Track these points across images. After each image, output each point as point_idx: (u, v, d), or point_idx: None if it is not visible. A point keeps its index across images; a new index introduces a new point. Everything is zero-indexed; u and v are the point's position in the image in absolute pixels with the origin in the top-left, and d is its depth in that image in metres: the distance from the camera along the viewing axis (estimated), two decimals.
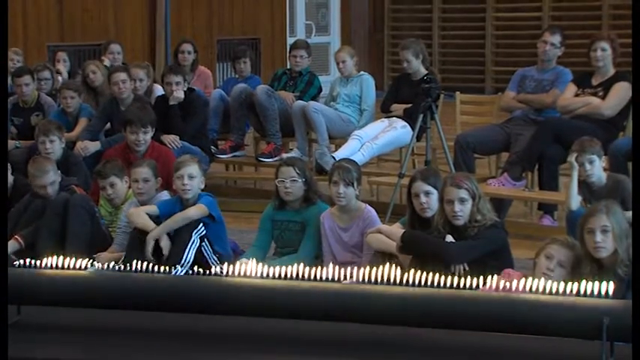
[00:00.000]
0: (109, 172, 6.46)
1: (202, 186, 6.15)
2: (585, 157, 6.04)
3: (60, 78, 9.55)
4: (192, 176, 6.04)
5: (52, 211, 6.34)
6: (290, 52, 9.34)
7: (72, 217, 6.26)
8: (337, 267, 4.21)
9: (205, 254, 5.95)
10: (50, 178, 6.49)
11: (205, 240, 5.98)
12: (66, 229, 6.26)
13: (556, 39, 7.85)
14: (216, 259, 5.94)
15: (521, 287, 4.08)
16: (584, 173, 6.06)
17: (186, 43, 9.83)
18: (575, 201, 6.08)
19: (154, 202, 6.23)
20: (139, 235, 5.98)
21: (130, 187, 6.47)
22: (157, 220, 6.04)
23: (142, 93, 8.64)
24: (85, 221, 6.29)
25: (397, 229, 5.48)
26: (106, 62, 9.67)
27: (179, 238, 5.95)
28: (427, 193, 5.41)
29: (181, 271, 5.64)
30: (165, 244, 5.94)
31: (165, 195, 6.36)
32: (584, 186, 6.11)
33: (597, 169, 6.08)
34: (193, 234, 5.94)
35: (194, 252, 5.89)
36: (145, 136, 7.07)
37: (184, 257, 5.84)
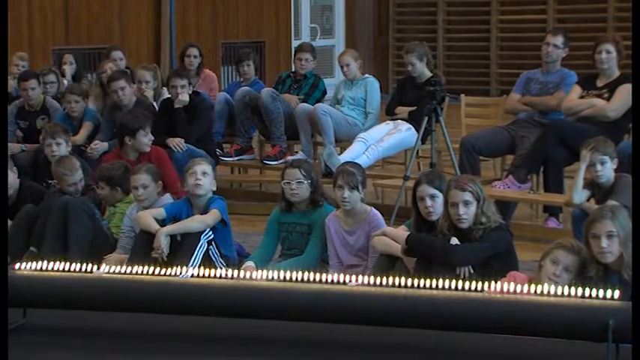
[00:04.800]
0: (100, 177, 6.54)
1: (214, 188, 6.17)
2: (597, 157, 6.06)
3: (65, 81, 9.55)
4: (205, 173, 6.07)
5: (53, 215, 6.36)
6: (295, 54, 9.34)
7: (73, 220, 6.29)
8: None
9: (213, 258, 5.96)
10: (79, 176, 6.64)
11: (213, 244, 5.99)
12: (67, 232, 6.28)
13: (559, 40, 7.84)
14: (222, 262, 5.96)
15: (526, 290, 4.08)
16: (594, 173, 6.08)
17: (192, 47, 9.82)
18: (580, 195, 6.10)
19: (156, 205, 6.24)
20: (145, 237, 5.99)
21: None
22: (163, 223, 6.05)
23: (149, 95, 8.63)
24: (86, 223, 6.32)
25: (402, 232, 5.47)
26: (109, 70, 9.65)
27: (188, 241, 5.95)
28: (432, 197, 5.40)
29: (188, 274, 5.64)
30: (166, 244, 5.94)
31: (168, 198, 6.38)
32: (594, 185, 6.13)
33: (608, 170, 6.10)
34: (202, 238, 5.95)
35: (202, 256, 5.90)
36: (147, 137, 7.15)
37: (192, 260, 5.85)
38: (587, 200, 6.22)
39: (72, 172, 6.61)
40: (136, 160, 6.98)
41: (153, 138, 7.23)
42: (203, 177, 6.07)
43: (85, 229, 6.30)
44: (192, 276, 4.46)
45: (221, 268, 4.57)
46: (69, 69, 9.97)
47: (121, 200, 6.52)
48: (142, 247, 5.96)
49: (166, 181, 6.58)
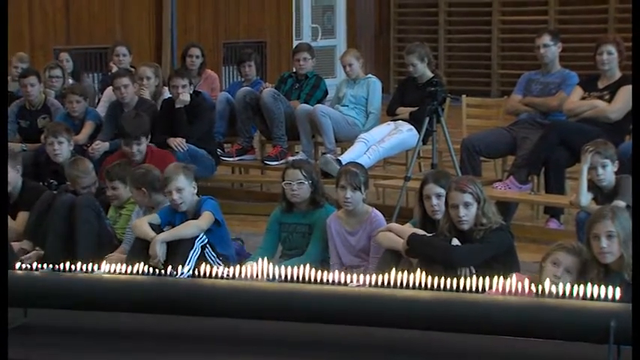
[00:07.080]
0: (114, 176, 6.48)
1: (194, 191, 6.03)
2: (599, 160, 6.05)
3: (70, 80, 9.54)
4: (180, 189, 5.97)
5: (58, 213, 6.36)
6: (293, 56, 9.35)
7: (79, 218, 6.29)
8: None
9: (209, 259, 5.91)
10: (93, 179, 6.66)
11: (208, 246, 5.94)
12: (73, 230, 6.28)
13: (546, 39, 7.84)
14: (219, 262, 5.92)
15: (527, 291, 4.08)
16: (595, 177, 6.08)
17: (194, 47, 9.84)
18: (585, 197, 6.10)
19: (158, 209, 6.21)
20: (141, 245, 5.95)
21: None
22: (159, 228, 6.01)
23: (149, 92, 8.64)
24: (92, 221, 6.32)
25: (408, 228, 5.47)
26: (114, 69, 9.65)
27: (181, 246, 5.90)
28: (438, 196, 5.42)
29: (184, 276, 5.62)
30: (162, 252, 5.90)
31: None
32: (596, 187, 6.13)
33: (609, 173, 6.09)
34: (196, 242, 5.89)
35: (196, 260, 5.86)
36: (140, 147, 7.18)
37: (186, 265, 5.81)
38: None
39: (85, 174, 6.62)
40: (141, 163, 6.95)
41: (134, 150, 7.15)
42: (178, 194, 5.95)
43: (91, 226, 6.30)
44: (190, 275, 4.45)
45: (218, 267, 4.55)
46: (66, 66, 9.97)
47: (127, 200, 6.50)
48: (139, 255, 5.89)
49: None
